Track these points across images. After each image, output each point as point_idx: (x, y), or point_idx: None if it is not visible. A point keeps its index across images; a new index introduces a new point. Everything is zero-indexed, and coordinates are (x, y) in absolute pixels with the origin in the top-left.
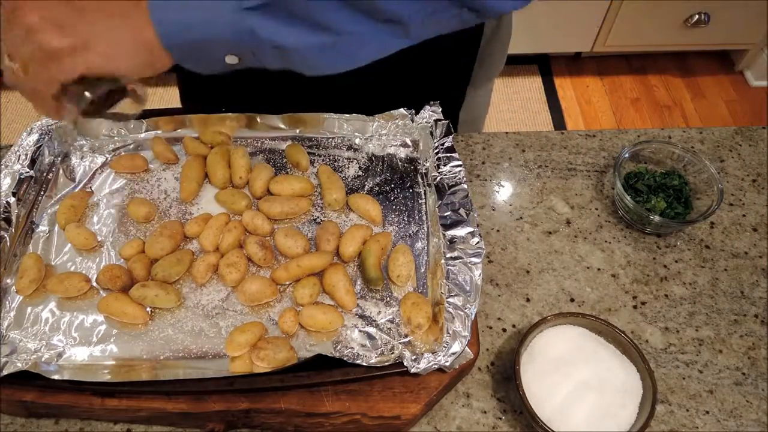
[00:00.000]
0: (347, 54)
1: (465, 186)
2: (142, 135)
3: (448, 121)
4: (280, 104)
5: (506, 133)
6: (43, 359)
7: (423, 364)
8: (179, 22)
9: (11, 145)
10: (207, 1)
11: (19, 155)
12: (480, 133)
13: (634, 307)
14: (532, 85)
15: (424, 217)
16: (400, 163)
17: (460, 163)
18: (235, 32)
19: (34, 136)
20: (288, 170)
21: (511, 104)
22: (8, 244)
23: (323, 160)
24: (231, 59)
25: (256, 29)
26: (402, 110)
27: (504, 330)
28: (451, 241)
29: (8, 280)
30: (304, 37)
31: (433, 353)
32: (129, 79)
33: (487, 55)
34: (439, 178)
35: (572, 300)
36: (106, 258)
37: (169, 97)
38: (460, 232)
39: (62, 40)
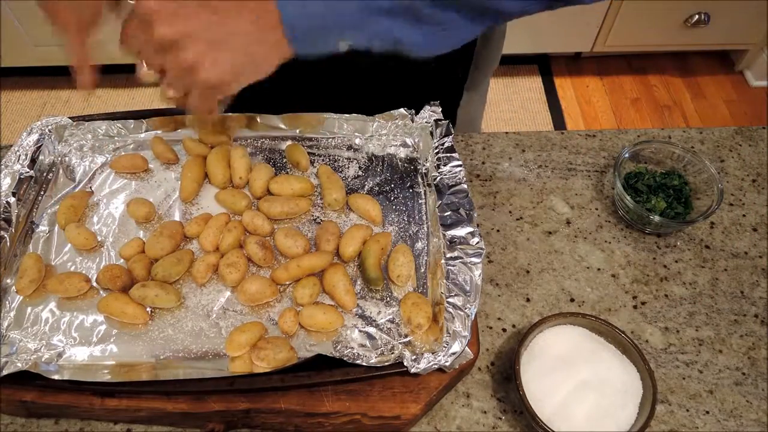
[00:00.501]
0: (450, 40)
1: (465, 186)
2: (142, 135)
3: (448, 121)
4: (280, 104)
5: (506, 133)
6: (43, 359)
7: (423, 364)
8: (306, 15)
9: (11, 145)
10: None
11: (19, 155)
12: (480, 132)
13: (634, 307)
14: (532, 85)
15: (424, 217)
16: (400, 163)
17: (460, 163)
18: (361, 26)
19: (34, 136)
20: (288, 170)
21: (511, 104)
22: (8, 244)
23: (323, 160)
24: (343, 45)
25: (383, 27)
26: (402, 110)
27: (504, 330)
28: (451, 241)
29: (8, 280)
30: (420, 32)
31: (433, 353)
32: None
33: (482, 53)
34: (439, 178)
35: (572, 300)
36: (106, 258)
37: None
38: (460, 232)
39: (222, 70)
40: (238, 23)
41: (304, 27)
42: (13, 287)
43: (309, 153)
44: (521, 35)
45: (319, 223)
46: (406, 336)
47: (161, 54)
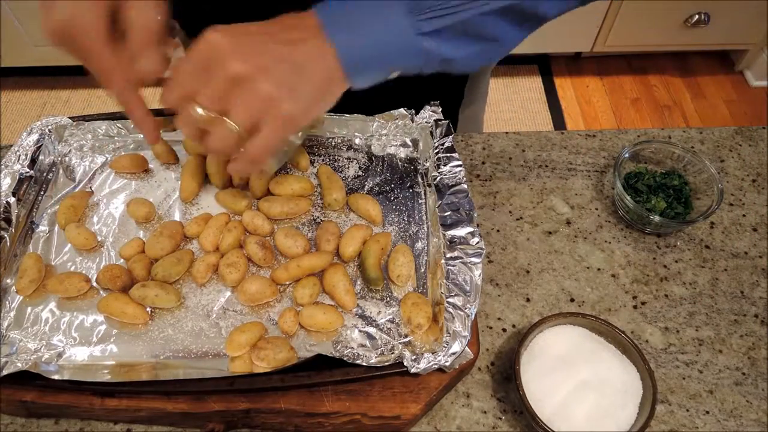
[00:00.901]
0: (496, 53)
1: (465, 186)
2: (143, 135)
3: (448, 121)
4: None
5: (506, 133)
6: (43, 359)
7: (423, 364)
8: (356, 45)
9: (11, 145)
10: (379, 25)
11: (19, 155)
12: (480, 132)
13: (634, 307)
14: (532, 85)
15: (424, 217)
16: (400, 163)
17: (460, 163)
18: (410, 54)
19: (34, 136)
20: (288, 170)
21: (511, 104)
22: (8, 244)
23: (323, 160)
24: (393, 72)
25: (431, 50)
26: (402, 110)
27: (504, 330)
28: (451, 241)
29: (8, 280)
30: (469, 49)
31: (433, 353)
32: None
33: None
34: (439, 178)
35: (572, 300)
36: (106, 258)
37: None
38: (460, 232)
39: (295, 103)
40: (303, 56)
41: (355, 59)
42: (13, 287)
43: (309, 153)
44: None
45: (319, 223)
46: (406, 336)
47: (228, 94)
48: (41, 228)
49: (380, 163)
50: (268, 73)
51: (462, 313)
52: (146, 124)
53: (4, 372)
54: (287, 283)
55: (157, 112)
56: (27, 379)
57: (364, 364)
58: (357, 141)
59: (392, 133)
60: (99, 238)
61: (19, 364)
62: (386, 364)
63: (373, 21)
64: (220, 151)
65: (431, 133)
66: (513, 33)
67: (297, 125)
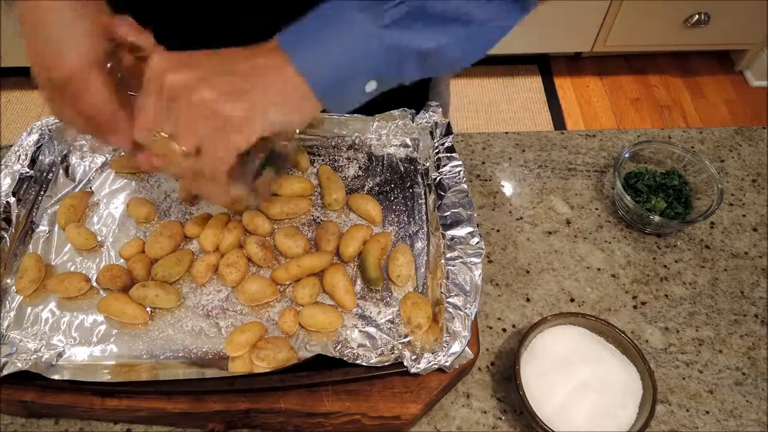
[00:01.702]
0: (479, 41)
1: (465, 186)
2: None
3: (448, 121)
4: None
5: (506, 133)
6: (43, 359)
7: (423, 364)
8: (320, 59)
9: (11, 145)
10: (339, 33)
11: (19, 155)
12: (480, 132)
13: (634, 307)
14: (532, 85)
15: (424, 217)
16: (400, 163)
17: (460, 162)
18: (376, 54)
19: (34, 136)
20: (288, 170)
21: (511, 104)
22: (8, 244)
23: (323, 160)
24: (370, 86)
25: (396, 43)
26: (402, 110)
27: (504, 330)
28: (451, 241)
29: (8, 280)
30: (441, 36)
31: (433, 353)
32: (279, 138)
33: None
34: (439, 178)
35: (572, 300)
36: (106, 258)
37: None
38: (460, 232)
39: (238, 105)
40: (254, 68)
41: (320, 72)
42: (13, 287)
43: (309, 153)
44: (521, 35)
45: (319, 223)
46: (406, 336)
47: (169, 109)
48: (41, 228)
49: (380, 163)
50: (207, 82)
51: (462, 313)
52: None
53: (4, 372)
54: (287, 283)
55: None
56: (27, 379)
57: (364, 364)
58: (357, 141)
59: (392, 133)
60: (99, 238)
61: (19, 364)
62: (386, 364)
63: (331, 28)
64: (176, 175)
65: (431, 133)
66: (482, 9)
67: (249, 135)
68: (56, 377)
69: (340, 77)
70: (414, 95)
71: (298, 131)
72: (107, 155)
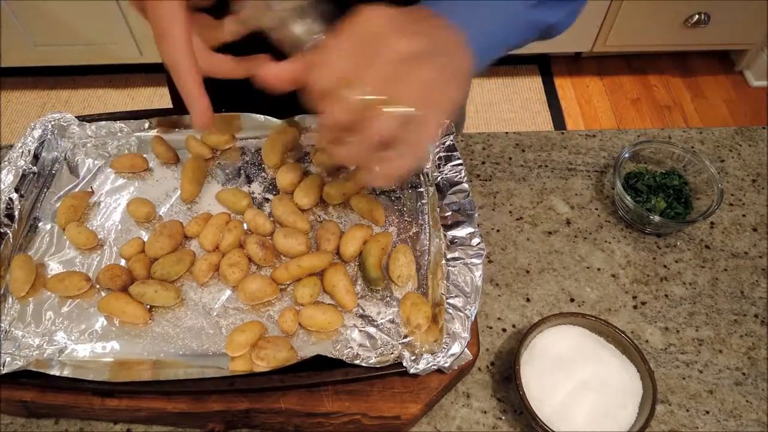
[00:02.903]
0: (576, 13)
1: (466, 185)
2: (143, 135)
3: (449, 121)
4: (280, 106)
5: (506, 133)
6: (44, 356)
7: (422, 365)
8: (484, 37)
9: (11, 145)
10: (497, 12)
11: (23, 151)
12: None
13: (634, 307)
14: (532, 85)
15: (425, 218)
16: None
17: (461, 162)
18: (521, 29)
19: (38, 132)
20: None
21: (511, 104)
22: (11, 240)
23: None
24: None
25: (535, 18)
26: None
27: (504, 330)
28: (452, 242)
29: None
30: (560, 10)
31: (432, 354)
32: None
33: None
34: (439, 177)
35: (572, 300)
36: (107, 257)
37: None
38: (460, 232)
39: (452, 89)
40: (449, 43)
41: (485, 47)
42: None
43: (308, 151)
44: None
45: (320, 222)
46: (405, 336)
47: (395, 75)
48: (44, 225)
49: None
50: (431, 60)
51: (462, 314)
52: (199, 102)
53: (6, 369)
54: (288, 282)
55: (158, 112)
56: (27, 378)
57: (363, 364)
58: None
59: None
60: (99, 238)
61: (20, 362)
62: (386, 364)
63: (494, 9)
64: (355, 159)
65: None
66: None
67: (448, 116)
68: (56, 373)
69: (490, 56)
70: None
71: None
72: (108, 155)
